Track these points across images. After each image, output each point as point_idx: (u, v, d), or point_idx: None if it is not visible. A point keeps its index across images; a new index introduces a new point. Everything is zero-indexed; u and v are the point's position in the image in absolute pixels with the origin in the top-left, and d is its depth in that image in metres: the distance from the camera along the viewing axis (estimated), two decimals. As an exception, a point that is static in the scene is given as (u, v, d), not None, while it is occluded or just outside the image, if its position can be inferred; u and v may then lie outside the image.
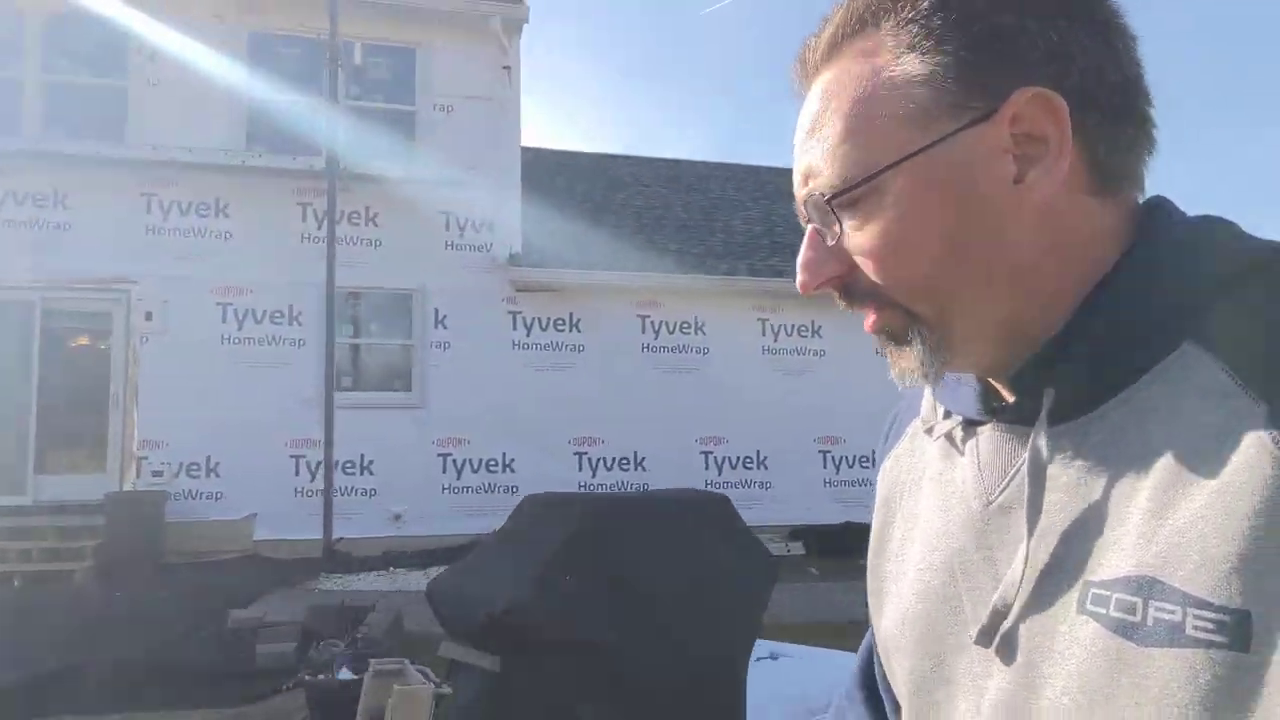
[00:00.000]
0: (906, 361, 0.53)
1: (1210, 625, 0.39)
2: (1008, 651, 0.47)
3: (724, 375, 9.24)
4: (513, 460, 8.63)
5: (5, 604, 6.09)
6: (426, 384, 8.52)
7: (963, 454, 0.55)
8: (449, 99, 8.90)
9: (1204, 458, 0.42)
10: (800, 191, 0.54)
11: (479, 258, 8.78)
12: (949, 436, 0.56)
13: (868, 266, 0.51)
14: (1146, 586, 0.42)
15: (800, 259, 0.54)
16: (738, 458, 9.33)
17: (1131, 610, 0.42)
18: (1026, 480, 0.48)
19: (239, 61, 8.39)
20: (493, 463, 8.60)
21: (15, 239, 7.67)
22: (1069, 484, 0.47)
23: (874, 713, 0.69)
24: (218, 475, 7.87)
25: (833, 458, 9.62)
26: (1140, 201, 0.52)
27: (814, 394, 9.44)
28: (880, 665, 0.66)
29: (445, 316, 8.63)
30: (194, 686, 4.23)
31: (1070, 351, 0.48)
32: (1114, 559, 0.44)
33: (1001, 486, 0.51)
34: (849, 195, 0.50)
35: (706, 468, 9.19)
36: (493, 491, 8.56)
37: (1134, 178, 0.51)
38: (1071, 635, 0.45)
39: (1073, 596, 0.45)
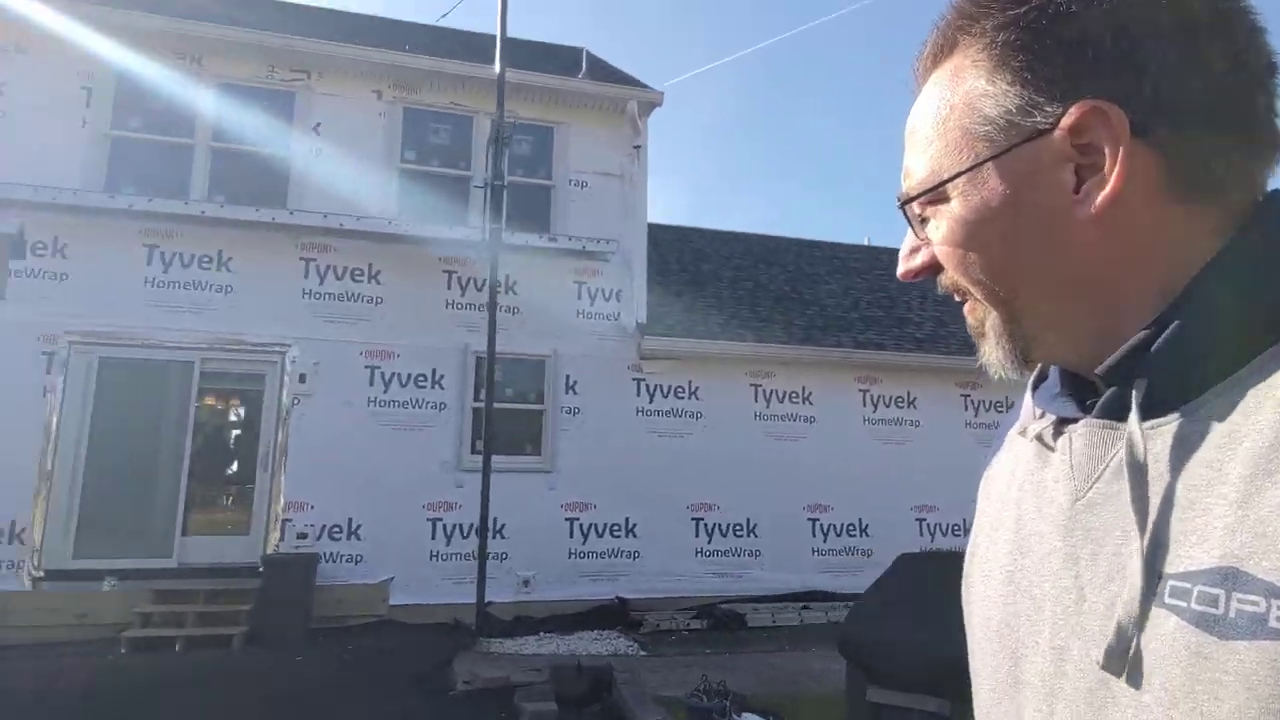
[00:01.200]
0: (988, 351, 0.56)
1: None
2: (1121, 668, 0.45)
3: (829, 444, 9.43)
4: (635, 525, 8.75)
5: (184, 671, 6.13)
6: (557, 448, 8.67)
7: (1055, 452, 0.54)
8: (583, 175, 9.24)
9: None
10: (901, 188, 0.58)
11: (608, 326, 9.02)
12: (1040, 437, 0.56)
13: (944, 258, 0.56)
14: (1230, 578, 0.41)
15: (902, 250, 0.59)
16: (842, 525, 9.48)
17: (1214, 603, 0.41)
18: (1124, 475, 0.47)
19: (394, 135, 8.73)
20: (616, 527, 8.71)
21: (180, 299, 7.87)
22: (1155, 478, 0.46)
23: None
24: (358, 538, 7.96)
25: (927, 524, 9.80)
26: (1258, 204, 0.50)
27: (910, 462, 9.65)
28: None
29: (575, 382, 8.83)
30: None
31: (1157, 347, 0.47)
32: (1195, 551, 0.43)
33: (1090, 483, 0.51)
34: (925, 197, 0.55)
35: (813, 535, 9.33)
36: (616, 556, 8.67)
37: (1240, 182, 0.49)
38: (1151, 631, 0.44)
39: (1150, 590, 0.44)
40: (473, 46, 9.92)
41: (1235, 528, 0.41)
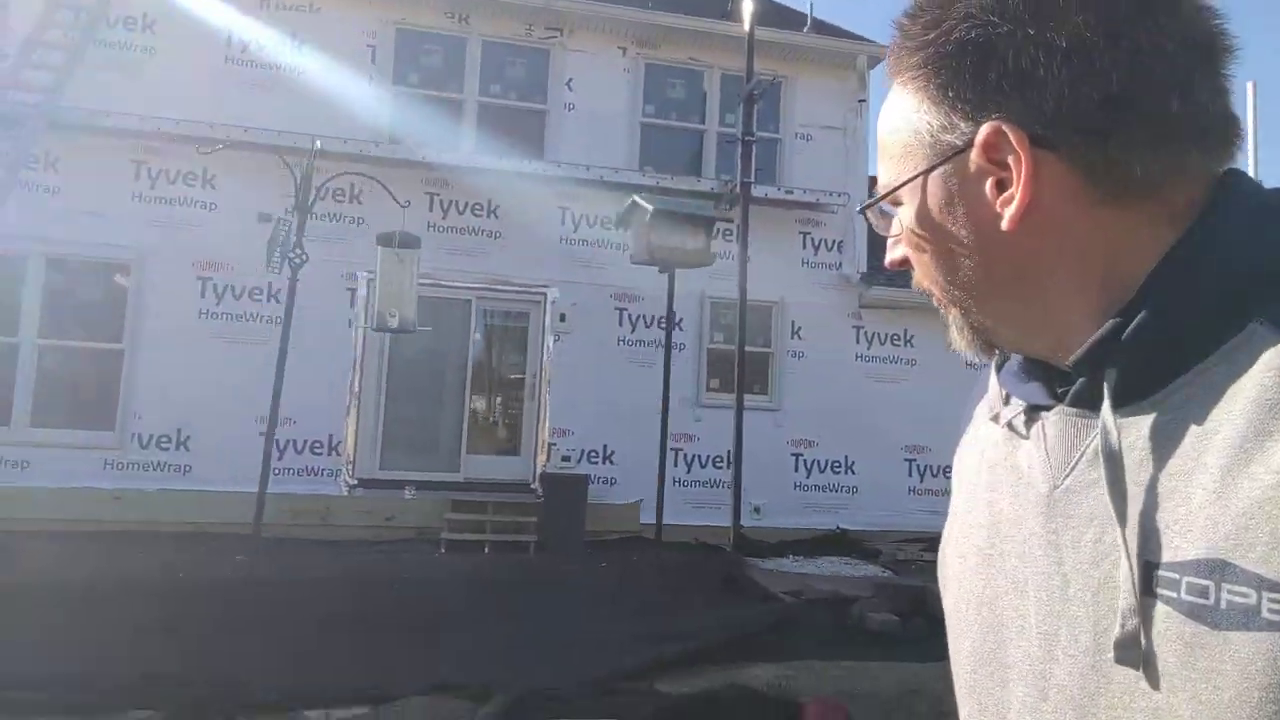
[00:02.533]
0: (954, 335, 0.60)
1: None
2: (1137, 660, 0.46)
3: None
4: (854, 463, 9.28)
5: (507, 570, 7.01)
6: (782, 389, 9.22)
7: (1028, 439, 0.55)
8: (808, 128, 9.55)
9: (1269, 435, 0.41)
10: None
11: (831, 276, 9.43)
12: (1011, 425, 0.57)
13: (910, 256, 0.60)
14: (1219, 569, 0.41)
15: (888, 242, 0.63)
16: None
17: (1204, 593, 0.42)
18: (1101, 464, 0.48)
19: (636, 90, 9.21)
20: (837, 464, 9.26)
21: (457, 243, 8.64)
22: (1131, 466, 0.47)
23: None
24: (612, 463, 8.74)
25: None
26: (1201, 189, 0.51)
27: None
28: None
29: (800, 328, 9.31)
30: (830, 645, 4.91)
31: (1126, 336, 0.48)
32: (1181, 541, 0.43)
33: (1067, 470, 0.51)
34: (871, 207, 0.61)
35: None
36: (836, 491, 9.25)
37: (1168, 180, 0.50)
38: (1142, 618, 0.44)
39: (1145, 579, 0.45)
40: (703, 3, 10.21)
41: (1218, 519, 0.42)
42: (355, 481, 8.20)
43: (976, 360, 0.61)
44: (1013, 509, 0.55)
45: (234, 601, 5.06)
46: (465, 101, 8.91)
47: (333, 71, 8.52)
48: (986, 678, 0.55)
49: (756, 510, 8.97)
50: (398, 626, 4.76)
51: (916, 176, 0.55)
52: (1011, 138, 0.50)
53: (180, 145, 7.94)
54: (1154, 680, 0.43)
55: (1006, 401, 0.58)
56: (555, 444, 8.64)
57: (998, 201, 0.51)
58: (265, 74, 8.43)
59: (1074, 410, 0.52)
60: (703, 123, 9.45)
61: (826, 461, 9.24)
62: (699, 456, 8.93)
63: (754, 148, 8.30)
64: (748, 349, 9.34)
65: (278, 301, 8.21)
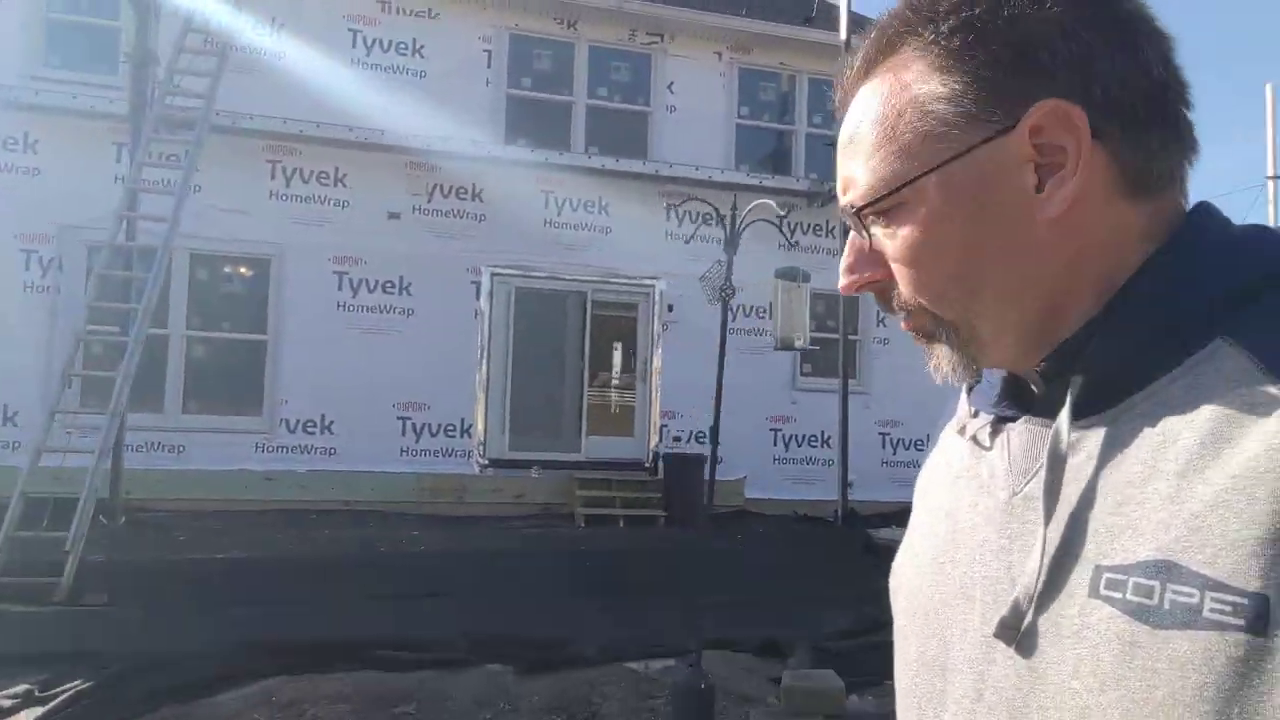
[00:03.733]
0: (939, 359, 0.55)
1: (1227, 608, 0.39)
2: (1012, 638, 0.47)
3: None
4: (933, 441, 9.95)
5: (649, 541, 7.55)
6: (870, 373, 9.86)
7: (991, 450, 0.55)
8: (888, 128, 10.18)
9: (1228, 442, 0.41)
10: (841, 200, 0.55)
11: (910, 267, 10.09)
12: (975, 438, 0.56)
13: (897, 272, 0.53)
14: (1165, 570, 0.41)
15: (842, 263, 0.57)
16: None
17: (1149, 594, 0.41)
18: (1045, 468, 0.48)
19: (732, 93, 9.75)
20: (920, 442, 9.92)
21: (571, 239, 9.12)
22: (1089, 474, 0.47)
23: None
24: (717, 442, 9.30)
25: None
26: (1182, 203, 0.51)
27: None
28: None
29: (884, 318, 9.94)
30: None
31: (1095, 344, 0.48)
32: (1130, 544, 0.43)
33: (1027, 478, 0.51)
34: (877, 206, 0.53)
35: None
36: (918, 466, 9.91)
37: (1170, 181, 0.50)
38: (1083, 620, 0.44)
39: (1083, 581, 0.45)
40: (791, 9, 10.75)
41: (1169, 522, 0.42)
42: (486, 461, 8.68)
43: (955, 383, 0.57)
44: (970, 518, 0.55)
45: (478, 570, 5.56)
46: (574, 104, 9.39)
47: (453, 75, 8.95)
48: (926, 682, 0.55)
49: (850, 485, 9.61)
50: (638, 590, 5.29)
51: (946, 162, 0.50)
52: (1074, 118, 0.47)
53: (314, 146, 8.33)
54: (1090, 680, 0.43)
55: (975, 415, 0.58)
56: (666, 425, 9.18)
57: (1045, 188, 0.48)
58: (390, 78, 8.83)
59: (1039, 420, 0.52)
60: (793, 124, 10.03)
61: (910, 440, 9.90)
62: (796, 436, 9.55)
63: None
64: (836, 337, 9.97)
65: (409, 295, 8.67)
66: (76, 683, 3.74)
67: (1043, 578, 0.46)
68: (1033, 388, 0.53)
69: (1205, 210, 0.51)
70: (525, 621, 4.67)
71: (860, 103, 0.54)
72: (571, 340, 9.16)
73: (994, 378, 0.57)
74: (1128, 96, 0.48)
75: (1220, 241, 0.49)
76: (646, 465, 9.06)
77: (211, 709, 3.71)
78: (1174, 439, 0.44)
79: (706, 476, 8.86)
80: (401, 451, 8.49)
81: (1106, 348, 0.48)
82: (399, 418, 8.53)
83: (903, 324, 0.56)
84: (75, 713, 3.56)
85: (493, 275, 8.88)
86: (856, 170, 0.54)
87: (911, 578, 0.60)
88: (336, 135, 8.22)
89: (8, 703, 3.62)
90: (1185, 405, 0.44)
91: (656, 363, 9.25)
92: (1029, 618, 0.47)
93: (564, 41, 9.38)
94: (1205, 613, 0.39)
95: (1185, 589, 0.40)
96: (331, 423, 8.37)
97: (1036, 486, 0.49)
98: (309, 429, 8.32)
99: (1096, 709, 0.42)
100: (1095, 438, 0.47)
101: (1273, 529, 0.38)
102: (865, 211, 0.53)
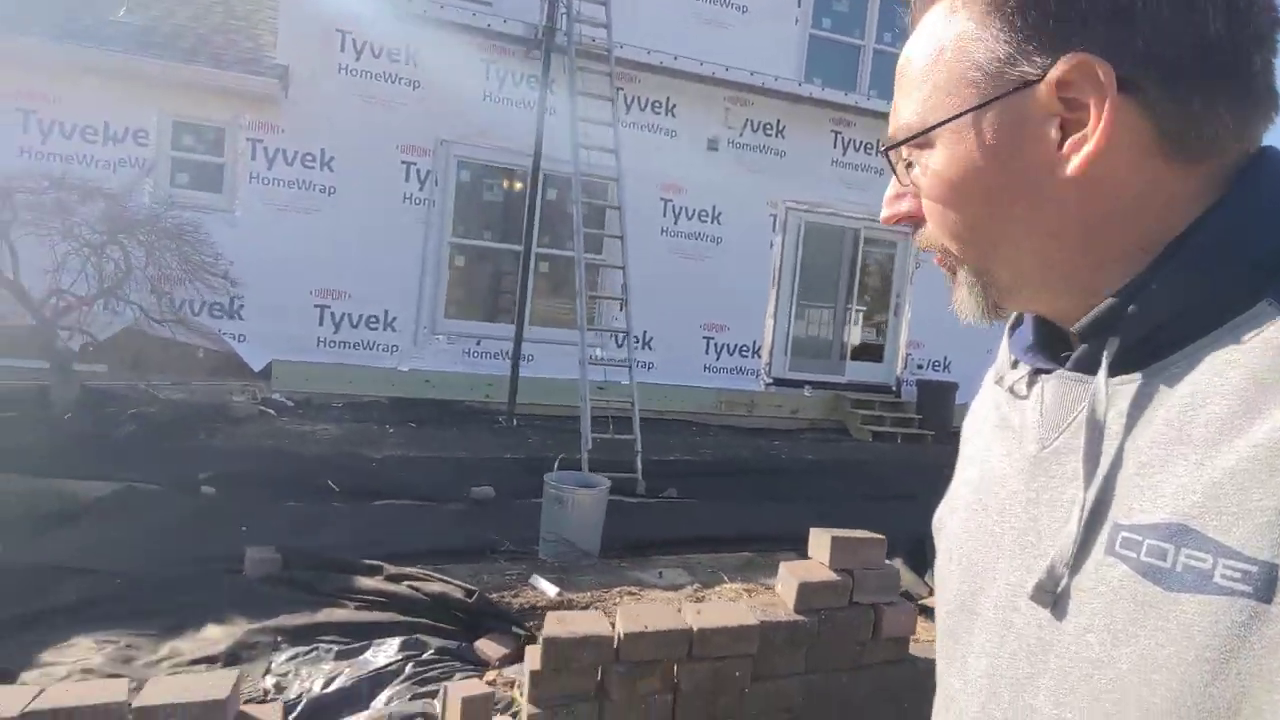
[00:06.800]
0: (961, 298, 0.56)
1: (1237, 575, 0.39)
2: (1048, 601, 0.48)
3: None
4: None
5: (938, 457, 8.88)
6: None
7: (1027, 400, 0.55)
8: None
9: (1257, 411, 0.41)
10: (890, 129, 0.56)
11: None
12: (1013, 389, 0.57)
13: (926, 210, 0.54)
14: (1180, 534, 0.42)
15: (885, 194, 0.57)
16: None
17: (1162, 556, 0.42)
18: (1084, 428, 0.48)
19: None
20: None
21: (851, 179, 9.82)
22: (1118, 432, 0.47)
23: None
24: (949, 371, 10.57)
25: None
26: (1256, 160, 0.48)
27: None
28: None
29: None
30: None
31: (1135, 303, 0.47)
32: (1150, 506, 0.44)
33: (1058, 432, 0.51)
34: (907, 143, 0.53)
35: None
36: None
37: (1227, 144, 0.47)
38: (1099, 575, 0.45)
39: (1101, 538, 0.45)
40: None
41: (1190, 487, 0.42)
42: (770, 380, 9.74)
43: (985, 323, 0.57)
44: (1001, 467, 0.56)
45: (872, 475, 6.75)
46: (864, 47, 9.83)
47: (767, 12, 9.24)
48: (958, 623, 0.57)
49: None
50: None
51: (971, 110, 0.49)
52: (1100, 73, 0.45)
53: (650, 75, 8.65)
54: (1104, 634, 0.44)
55: (1014, 365, 0.58)
56: (911, 354, 10.37)
57: (1065, 145, 0.47)
58: (713, 10, 9.06)
59: (1074, 375, 0.51)
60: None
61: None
62: (1008, 368, 10.90)
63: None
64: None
65: (718, 224, 9.35)
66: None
67: (1077, 543, 0.46)
68: (1071, 338, 0.53)
69: (1267, 159, 0.48)
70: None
71: (918, 31, 0.54)
72: (844, 272, 10.09)
73: (1029, 325, 0.57)
74: (1172, 51, 0.45)
75: (1273, 195, 0.47)
76: (893, 389, 10.29)
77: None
78: (1204, 403, 0.43)
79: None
80: (704, 369, 9.45)
81: (1145, 308, 0.47)
82: (704, 337, 9.42)
83: (935, 259, 0.57)
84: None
85: (788, 209, 9.60)
86: (903, 102, 0.54)
87: (950, 522, 0.62)
88: (667, 64, 8.55)
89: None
90: (1221, 369, 0.43)
91: (909, 297, 10.31)
92: (1064, 582, 0.47)
93: (855, -16, 9.68)
94: (1216, 578, 0.40)
95: (1198, 554, 0.40)
96: (651, 339, 9.20)
97: (1065, 442, 0.50)
98: (633, 344, 9.14)
99: (1108, 662, 0.43)
100: (1127, 396, 0.47)
101: None
102: (898, 147, 0.54)
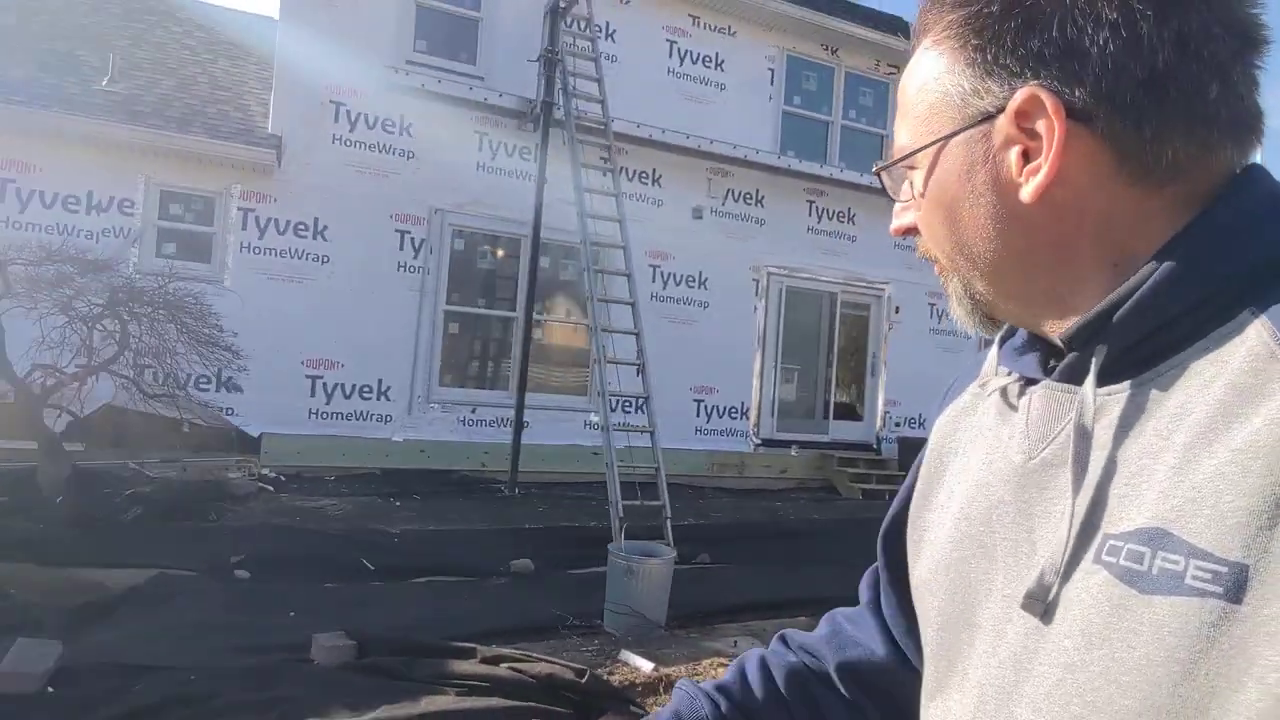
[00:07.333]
0: (953, 309, 0.60)
1: (1208, 575, 0.40)
2: (1039, 609, 0.48)
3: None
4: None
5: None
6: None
7: (1016, 411, 0.56)
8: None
9: (1236, 417, 0.42)
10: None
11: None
12: (1003, 393, 0.58)
13: (918, 221, 0.59)
14: (1157, 538, 0.42)
15: (895, 205, 0.63)
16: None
17: (1139, 560, 0.43)
18: (1072, 438, 0.49)
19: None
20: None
21: (826, 245, 10.22)
22: (1107, 442, 0.47)
23: (883, 630, 0.75)
24: (923, 426, 10.88)
25: None
26: (1233, 178, 0.50)
27: None
28: (888, 603, 0.73)
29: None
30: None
31: (1120, 315, 0.48)
32: (1132, 512, 0.44)
33: (1045, 443, 0.52)
34: (888, 167, 0.60)
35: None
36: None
37: (1192, 168, 0.49)
38: (1083, 583, 0.46)
39: (1091, 548, 0.46)
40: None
41: (1170, 492, 0.43)
42: (759, 440, 9.83)
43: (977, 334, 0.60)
44: (986, 477, 0.56)
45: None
46: (832, 123, 10.38)
47: (745, 88, 9.70)
48: (953, 636, 0.57)
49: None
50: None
51: (941, 140, 0.54)
52: (1048, 105, 0.48)
53: (637, 147, 8.91)
54: (1079, 639, 0.45)
55: (1009, 374, 0.58)
56: (889, 412, 10.66)
57: (1023, 172, 0.51)
58: (695, 88, 9.46)
59: (1061, 385, 0.53)
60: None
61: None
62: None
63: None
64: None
65: (705, 288, 9.57)
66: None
67: (1069, 552, 0.47)
68: (1058, 345, 0.53)
69: (1250, 176, 0.50)
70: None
71: (910, 67, 0.59)
72: (823, 334, 10.38)
73: (1022, 335, 0.59)
74: (1122, 84, 0.48)
75: (1254, 209, 0.49)
76: (873, 447, 10.53)
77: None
78: (1189, 411, 0.44)
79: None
80: (695, 431, 9.48)
81: (1131, 319, 0.48)
82: (694, 400, 9.49)
83: (935, 269, 0.60)
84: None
85: (769, 274, 9.89)
86: (898, 127, 0.60)
87: (933, 531, 0.62)
88: (651, 137, 8.85)
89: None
90: (1205, 378, 0.45)
91: (884, 357, 10.67)
92: (1055, 590, 0.47)
93: (826, 66, 10.29)
94: (1188, 580, 0.40)
95: (1173, 556, 0.41)
96: (644, 402, 9.21)
97: (1053, 453, 0.51)
98: (626, 409, 9.12)
99: (1081, 665, 0.44)
100: (1115, 407, 0.48)
101: (1263, 500, 0.39)
102: (881, 171, 0.62)
